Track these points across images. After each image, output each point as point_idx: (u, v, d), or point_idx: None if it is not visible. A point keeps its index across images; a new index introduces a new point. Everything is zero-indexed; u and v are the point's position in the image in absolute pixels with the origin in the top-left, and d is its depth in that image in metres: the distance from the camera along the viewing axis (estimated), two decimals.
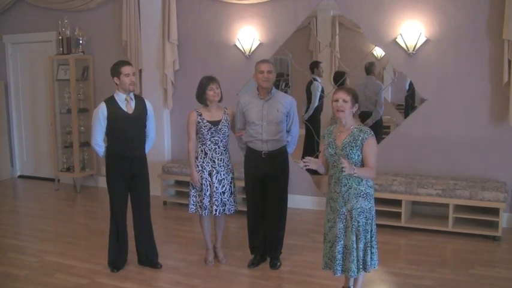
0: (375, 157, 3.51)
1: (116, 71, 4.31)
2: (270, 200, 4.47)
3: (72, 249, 5.10)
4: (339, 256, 3.60)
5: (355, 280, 3.71)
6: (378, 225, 3.74)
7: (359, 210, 3.52)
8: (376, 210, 3.69)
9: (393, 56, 5.81)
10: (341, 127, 3.60)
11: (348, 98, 3.50)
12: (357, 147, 3.49)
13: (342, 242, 3.58)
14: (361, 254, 3.54)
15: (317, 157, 3.85)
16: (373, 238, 3.59)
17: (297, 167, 6.19)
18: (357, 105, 3.55)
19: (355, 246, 3.53)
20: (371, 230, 3.57)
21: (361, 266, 3.56)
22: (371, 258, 3.59)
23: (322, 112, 6.67)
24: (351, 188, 3.53)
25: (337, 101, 3.52)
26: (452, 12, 5.46)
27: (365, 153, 3.48)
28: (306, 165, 3.59)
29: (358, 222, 3.52)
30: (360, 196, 3.53)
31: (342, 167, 3.35)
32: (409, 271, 4.41)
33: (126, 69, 4.30)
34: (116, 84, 4.34)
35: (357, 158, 3.50)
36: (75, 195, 7.39)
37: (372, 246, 3.58)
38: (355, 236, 3.53)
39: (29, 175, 8.44)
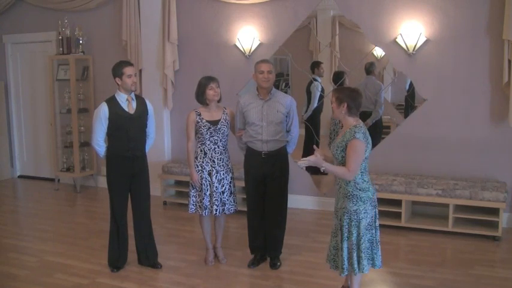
0: (354, 160, 3.40)
1: (118, 71, 4.30)
2: (270, 200, 4.47)
3: (72, 249, 5.10)
4: (333, 251, 3.66)
5: (351, 280, 3.69)
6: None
7: (343, 210, 3.53)
8: (377, 211, 3.64)
9: (393, 56, 5.81)
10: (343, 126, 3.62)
11: (333, 99, 3.53)
12: (341, 148, 3.48)
13: (336, 238, 3.63)
14: (344, 254, 3.54)
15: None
16: (361, 242, 3.48)
17: (297, 167, 6.17)
18: (344, 104, 3.46)
19: (340, 245, 3.57)
20: (358, 234, 3.48)
21: (344, 266, 3.56)
22: (358, 262, 3.51)
23: (322, 112, 6.66)
24: (340, 188, 3.56)
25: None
26: (452, 12, 5.46)
27: (346, 154, 3.44)
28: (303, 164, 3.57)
29: (342, 222, 3.53)
30: (346, 197, 3.52)
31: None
32: (409, 271, 4.41)
33: (128, 70, 4.29)
34: (118, 84, 4.34)
35: (341, 159, 3.49)
36: (75, 195, 7.39)
37: (360, 250, 3.49)
38: (341, 235, 3.55)
39: (29, 175, 8.44)
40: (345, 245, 3.53)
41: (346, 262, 3.54)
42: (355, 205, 3.48)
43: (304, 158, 3.48)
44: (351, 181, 3.48)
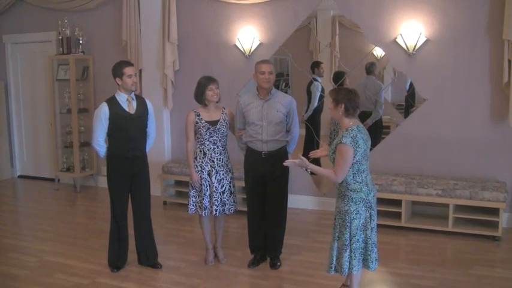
0: (340, 164, 3.40)
1: (118, 71, 4.29)
2: (270, 199, 4.47)
3: (72, 249, 5.10)
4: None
5: (350, 279, 3.69)
6: (378, 225, 3.69)
7: (337, 210, 3.56)
8: (377, 211, 3.64)
9: (393, 56, 5.81)
10: None
11: (331, 99, 3.54)
12: (333, 150, 3.50)
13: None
14: (334, 253, 3.55)
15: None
16: (352, 241, 3.47)
17: (297, 167, 6.19)
18: (342, 105, 3.45)
19: (331, 244, 3.59)
20: (350, 234, 3.46)
21: (332, 266, 3.57)
22: (348, 261, 3.50)
23: (322, 112, 6.66)
24: (336, 187, 3.58)
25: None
26: (452, 12, 5.46)
27: (335, 157, 3.46)
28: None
29: (335, 221, 3.56)
30: (339, 196, 3.54)
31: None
32: (409, 271, 4.41)
33: (128, 70, 4.29)
34: (118, 84, 4.33)
35: (333, 160, 3.51)
36: (75, 195, 7.39)
37: (351, 251, 3.48)
38: (332, 234, 3.57)
39: (29, 175, 8.44)
40: (335, 244, 3.55)
41: (334, 260, 3.56)
42: (346, 205, 3.48)
43: (289, 160, 3.69)
44: (342, 181, 3.49)
